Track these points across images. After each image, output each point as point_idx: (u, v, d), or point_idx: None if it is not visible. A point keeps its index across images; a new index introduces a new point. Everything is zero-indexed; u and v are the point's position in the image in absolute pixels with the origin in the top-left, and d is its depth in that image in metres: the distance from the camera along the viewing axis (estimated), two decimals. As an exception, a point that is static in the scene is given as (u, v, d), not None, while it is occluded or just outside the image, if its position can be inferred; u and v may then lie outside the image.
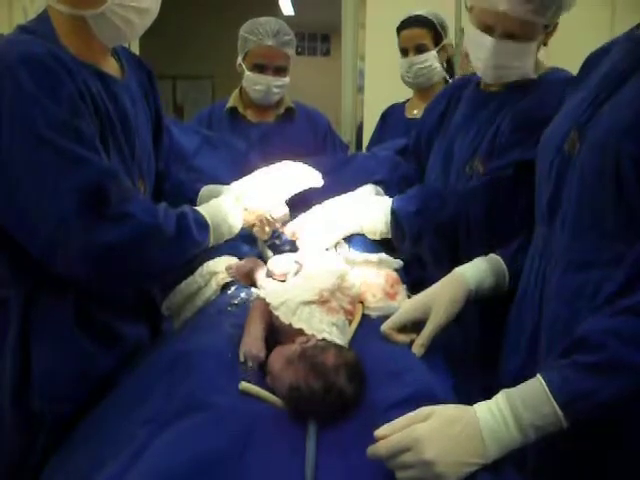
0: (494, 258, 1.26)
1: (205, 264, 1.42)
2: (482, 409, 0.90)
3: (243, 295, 1.37)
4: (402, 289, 1.33)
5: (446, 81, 2.48)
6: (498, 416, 0.89)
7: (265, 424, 0.94)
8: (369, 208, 1.50)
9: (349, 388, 0.98)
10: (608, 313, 0.90)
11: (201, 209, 1.30)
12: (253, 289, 1.40)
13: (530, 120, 1.35)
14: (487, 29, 1.39)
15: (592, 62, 1.20)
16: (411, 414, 0.90)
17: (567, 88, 1.25)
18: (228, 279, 1.44)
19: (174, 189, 1.52)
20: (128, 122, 1.27)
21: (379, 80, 3.35)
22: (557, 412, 0.86)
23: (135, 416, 1.00)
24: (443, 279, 1.22)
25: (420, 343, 1.13)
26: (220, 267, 1.44)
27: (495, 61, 1.41)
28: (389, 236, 1.49)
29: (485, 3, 1.35)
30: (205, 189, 1.52)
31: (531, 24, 1.35)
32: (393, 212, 1.45)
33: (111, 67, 1.29)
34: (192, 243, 1.24)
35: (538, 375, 0.90)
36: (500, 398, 0.91)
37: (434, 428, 0.88)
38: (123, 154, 1.24)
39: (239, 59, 2.32)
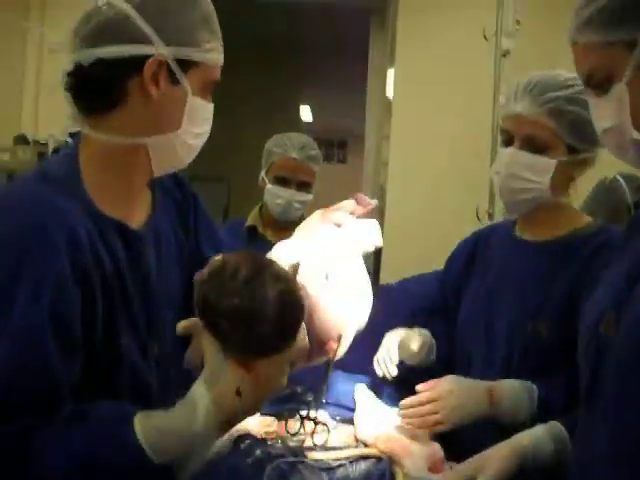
0: (554, 424, 1.15)
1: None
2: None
3: (258, 453, 1.23)
4: (446, 468, 1.22)
5: None
6: None
7: None
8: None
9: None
10: None
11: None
12: (269, 446, 1.26)
13: None
14: (509, 141, 1.41)
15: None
16: None
17: (614, 250, 1.13)
18: (241, 432, 1.29)
19: None
20: (149, 285, 1.16)
21: (401, 194, 3.29)
22: None
23: None
24: (499, 443, 1.12)
25: None
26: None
27: (509, 170, 1.40)
28: None
29: (505, 109, 1.43)
30: None
31: (550, 134, 1.36)
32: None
33: (140, 207, 1.19)
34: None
35: None
36: None
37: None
38: (136, 325, 1.12)
39: (262, 173, 2.26)
